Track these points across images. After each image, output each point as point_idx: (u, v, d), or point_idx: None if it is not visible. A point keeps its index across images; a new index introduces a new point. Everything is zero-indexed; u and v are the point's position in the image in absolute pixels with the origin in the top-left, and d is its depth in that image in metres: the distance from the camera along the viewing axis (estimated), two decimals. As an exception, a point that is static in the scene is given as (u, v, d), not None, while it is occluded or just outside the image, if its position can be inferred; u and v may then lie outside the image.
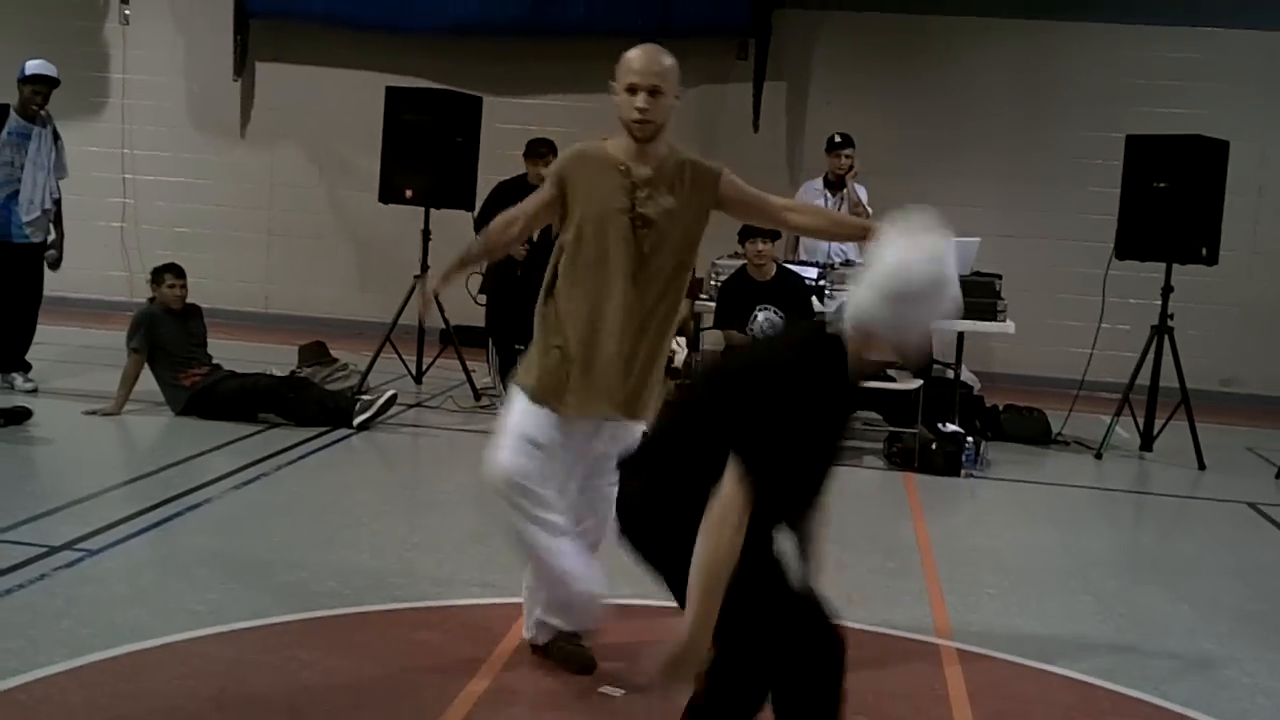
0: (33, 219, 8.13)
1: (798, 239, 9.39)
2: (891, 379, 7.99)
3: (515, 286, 8.19)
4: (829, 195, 9.25)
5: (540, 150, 8.48)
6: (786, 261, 8.39)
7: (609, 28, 11.18)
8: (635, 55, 3.77)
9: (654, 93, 3.73)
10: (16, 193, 8.05)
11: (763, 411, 2.79)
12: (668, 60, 3.78)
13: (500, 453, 3.84)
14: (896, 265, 2.78)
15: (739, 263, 7.80)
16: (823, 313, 8.02)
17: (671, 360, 7.85)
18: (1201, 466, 8.25)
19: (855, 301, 2.83)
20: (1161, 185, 8.34)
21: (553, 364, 3.86)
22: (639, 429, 3.85)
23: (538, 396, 3.86)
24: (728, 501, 2.72)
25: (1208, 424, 8.82)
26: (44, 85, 8.08)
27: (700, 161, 3.93)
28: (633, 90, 3.74)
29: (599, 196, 3.82)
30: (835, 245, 9.19)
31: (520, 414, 3.87)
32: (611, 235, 3.81)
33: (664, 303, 3.90)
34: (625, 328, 3.83)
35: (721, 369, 3.47)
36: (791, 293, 7.85)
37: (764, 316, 7.79)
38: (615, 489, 3.16)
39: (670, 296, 3.92)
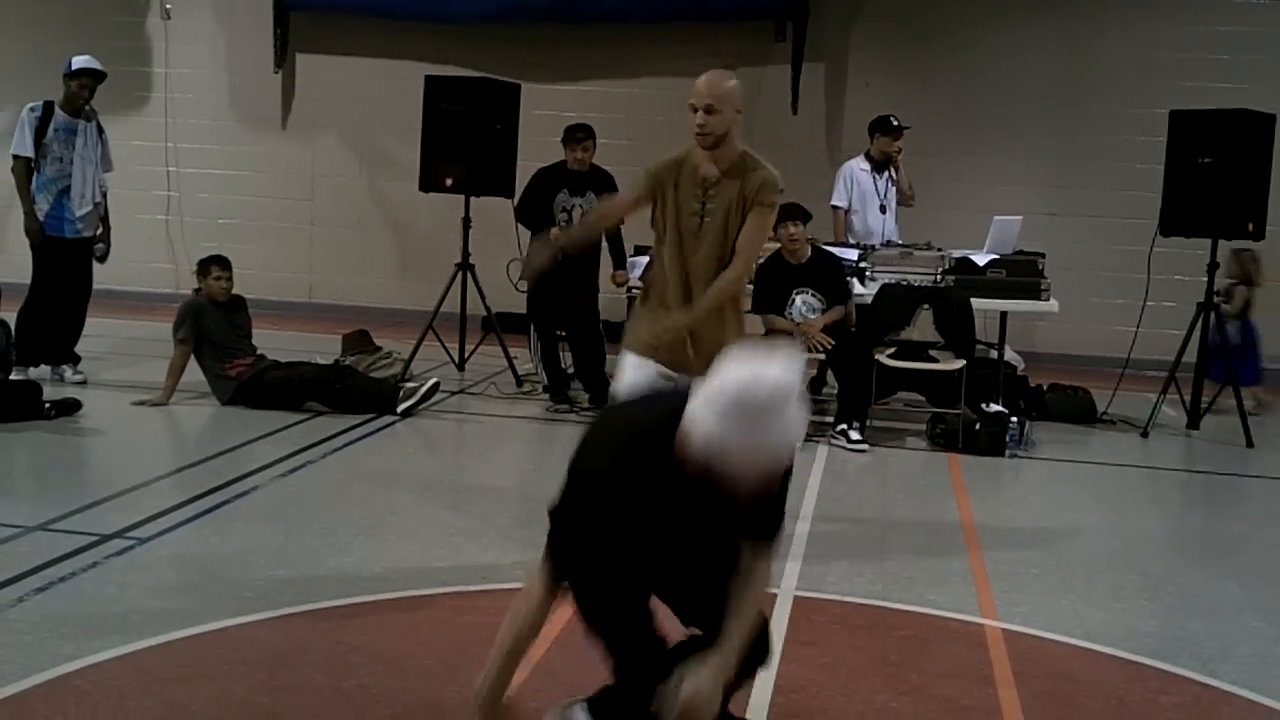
0: (84, 213, 8.23)
1: (846, 224, 9.20)
2: (934, 359, 7.96)
3: (556, 273, 8.16)
4: (875, 176, 9.13)
5: (578, 136, 8.44)
6: (826, 244, 8.32)
7: (646, 13, 11.17)
8: (700, 81, 4.61)
9: (709, 111, 4.54)
10: (67, 189, 8.16)
11: (566, 481, 2.92)
12: (727, 84, 4.60)
13: None
14: (735, 383, 2.66)
15: (774, 247, 7.76)
16: (860, 295, 8.04)
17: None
18: (1249, 444, 8.17)
19: (692, 408, 2.73)
20: (1206, 160, 8.24)
21: None
22: None
23: None
24: (531, 565, 2.89)
25: (1256, 401, 8.73)
26: (91, 79, 8.18)
27: (769, 180, 4.65)
28: (694, 109, 4.57)
29: (679, 198, 4.69)
30: (883, 226, 9.08)
31: None
32: (684, 228, 4.71)
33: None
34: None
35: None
36: (829, 274, 7.84)
37: (801, 300, 7.79)
38: None
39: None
